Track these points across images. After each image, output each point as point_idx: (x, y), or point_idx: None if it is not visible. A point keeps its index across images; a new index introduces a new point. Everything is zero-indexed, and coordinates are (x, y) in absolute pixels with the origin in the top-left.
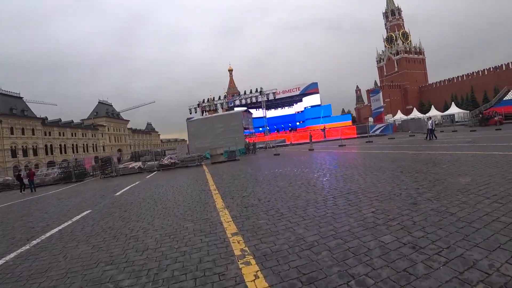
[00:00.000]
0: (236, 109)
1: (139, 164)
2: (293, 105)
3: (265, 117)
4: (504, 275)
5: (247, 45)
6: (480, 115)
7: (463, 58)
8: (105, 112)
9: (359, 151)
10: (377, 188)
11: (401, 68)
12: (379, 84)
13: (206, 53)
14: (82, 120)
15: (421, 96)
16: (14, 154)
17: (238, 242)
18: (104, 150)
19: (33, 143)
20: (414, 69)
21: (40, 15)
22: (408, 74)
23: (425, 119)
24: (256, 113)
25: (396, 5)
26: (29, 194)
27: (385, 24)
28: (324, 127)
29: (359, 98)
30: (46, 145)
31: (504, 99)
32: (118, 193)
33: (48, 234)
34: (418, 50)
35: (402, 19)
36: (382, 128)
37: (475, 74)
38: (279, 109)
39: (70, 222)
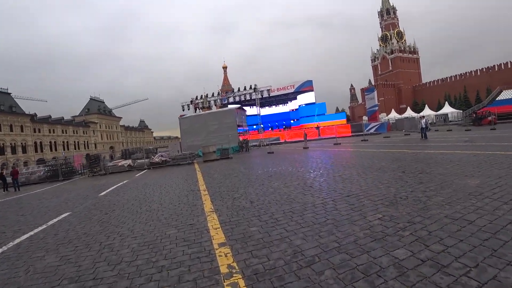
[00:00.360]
0: (229, 106)
1: (128, 162)
2: (287, 102)
3: (259, 114)
4: None
5: (241, 42)
6: (474, 115)
7: (456, 57)
8: (96, 108)
9: (355, 149)
10: (380, 190)
11: (395, 67)
12: (373, 83)
13: (199, 50)
14: (73, 117)
15: (414, 95)
16: (2, 151)
17: (226, 256)
18: (96, 148)
19: (22, 140)
20: (408, 68)
21: (28, 9)
22: (402, 73)
23: (419, 118)
24: (250, 110)
25: (391, 4)
26: (12, 193)
27: (380, 23)
28: (317, 125)
29: (353, 96)
30: (35, 142)
31: (497, 99)
32: (102, 193)
33: (17, 241)
34: (412, 49)
35: (397, 18)
36: (376, 127)
37: (468, 74)
38: (273, 106)
39: (44, 226)
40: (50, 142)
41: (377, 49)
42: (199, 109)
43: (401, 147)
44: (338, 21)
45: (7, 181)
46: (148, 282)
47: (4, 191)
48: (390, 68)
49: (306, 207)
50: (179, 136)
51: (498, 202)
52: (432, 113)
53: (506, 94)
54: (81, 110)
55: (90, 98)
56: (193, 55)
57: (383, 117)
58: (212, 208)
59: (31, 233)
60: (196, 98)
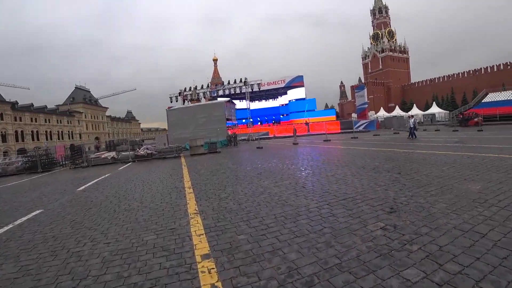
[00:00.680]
0: (219, 99)
1: (112, 154)
2: (277, 97)
3: (248, 108)
4: None
5: (233, 36)
6: (461, 116)
7: (444, 59)
8: (82, 98)
9: (346, 147)
10: (378, 194)
11: (386, 66)
12: (363, 81)
13: (190, 42)
14: (57, 105)
15: (403, 95)
16: None
17: (209, 272)
18: (80, 138)
19: (1, 128)
20: (398, 67)
21: None
22: (392, 72)
23: (408, 118)
24: (240, 104)
25: (384, 3)
26: None
27: (372, 22)
28: (306, 121)
29: (343, 93)
30: (16, 131)
31: (483, 101)
32: (81, 188)
33: None
34: (402, 49)
35: (389, 18)
36: (365, 124)
37: (455, 76)
38: (263, 101)
39: (11, 226)
40: (32, 132)
41: (368, 47)
42: (187, 101)
43: (392, 146)
44: (331, 19)
45: None
46: None
47: None
48: (380, 66)
49: (299, 211)
50: (167, 128)
51: (506, 211)
52: (420, 112)
53: (491, 97)
54: (65, 99)
55: (76, 87)
56: (184, 47)
57: (372, 115)
58: (197, 209)
59: None
60: (185, 90)
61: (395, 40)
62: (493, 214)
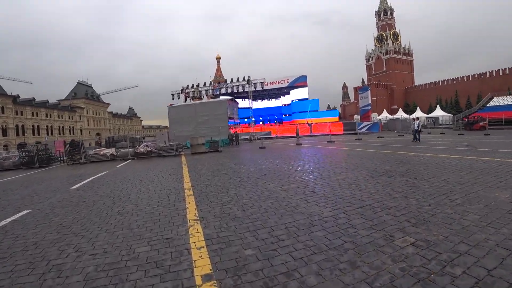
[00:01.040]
0: (221, 97)
1: (111, 151)
2: (280, 97)
3: (251, 107)
4: None
5: (236, 34)
6: (466, 119)
7: (448, 62)
8: (84, 93)
9: (352, 149)
10: (398, 202)
11: (389, 68)
12: (366, 82)
13: (193, 39)
14: (58, 100)
15: (406, 97)
16: None
17: None
18: (81, 134)
19: (2, 122)
20: (401, 69)
21: None
22: (395, 74)
23: (412, 120)
24: (242, 103)
25: (389, 5)
26: None
27: (377, 23)
28: (306, 121)
29: (345, 95)
30: (17, 125)
31: (488, 105)
32: (75, 186)
33: None
34: (407, 51)
35: (394, 19)
36: (368, 126)
37: (459, 79)
38: (266, 100)
39: None
40: (33, 126)
41: (372, 49)
42: (189, 99)
43: (400, 149)
44: (335, 19)
45: None
46: None
47: None
48: (384, 68)
49: (312, 220)
50: (168, 125)
51: None
52: (424, 115)
53: (497, 101)
54: (67, 94)
55: (78, 82)
56: (187, 44)
57: (374, 117)
58: (197, 215)
59: None
60: (187, 87)
61: (400, 42)
62: None
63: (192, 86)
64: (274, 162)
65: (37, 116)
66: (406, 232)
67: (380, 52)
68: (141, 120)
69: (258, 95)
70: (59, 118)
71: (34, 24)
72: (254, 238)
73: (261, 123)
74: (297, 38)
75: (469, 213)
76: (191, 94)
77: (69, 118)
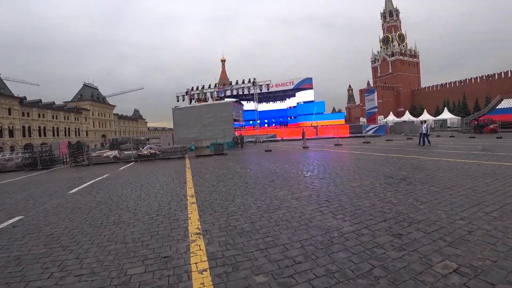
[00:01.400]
0: (226, 99)
1: (114, 153)
2: (285, 99)
3: (256, 110)
4: None
5: (240, 36)
6: (475, 122)
7: (455, 64)
8: (90, 95)
9: (361, 153)
10: (425, 214)
11: (395, 70)
12: (371, 85)
13: (198, 42)
14: (64, 102)
15: (413, 100)
16: None
17: None
18: (87, 135)
19: (9, 123)
20: (408, 72)
21: None
22: (401, 76)
23: (419, 123)
24: (247, 105)
25: (395, 6)
26: None
27: (382, 25)
28: (311, 124)
29: (350, 97)
30: (23, 127)
31: (497, 107)
32: (73, 190)
33: None
34: (413, 53)
35: (400, 21)
36: (375, 129)
37: (467, 81)
38: (271, 103)
39: None
40: (39, 127)
41: (378, 51)
42: (194, 101)
43: (412, 153)
44: (340, 21)
45: None
46: None
47: None
48: (390, 70)
49: (332, 237)
50: (173, 127)
51: None
52: (431, 118)
53: (506, 103)
54: (73, 96)
55: (84, 84)
56: (192, 47)
57: (381, 119)
58: (199, 227)
59: None
60: (192, 89)
61: (406, 44)
62: None
63: (197, 88)
64: (282, 166)
65: (43, 117)
66: (444, 254)
67: (386, 54)
68: (146, 122)
69: (263, 97)
70: (65, 119)
71: (40, 27)
72: (266, 259)
73: (266, 125)
74: (301, 41)
75: None
76: (196, 96)
77: (75, 120)
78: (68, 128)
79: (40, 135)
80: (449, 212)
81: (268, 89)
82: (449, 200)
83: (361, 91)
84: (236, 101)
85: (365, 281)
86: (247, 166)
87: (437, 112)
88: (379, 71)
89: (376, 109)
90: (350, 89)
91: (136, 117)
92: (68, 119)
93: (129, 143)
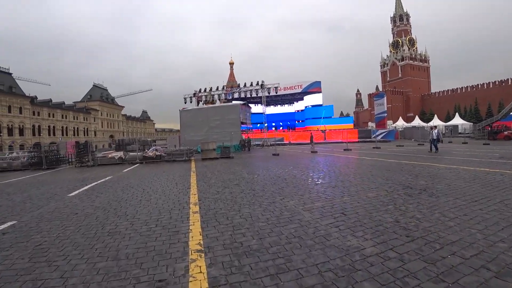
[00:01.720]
0: (234, 102)
1: (120, 154)
2: (293, 103)
3: (264, 113)
4: None
5: (248, 39)
6: (489, 128)
7: (465, 69)
8: (99, 96)
9: (373, 158)
10: (457, 234)
11: (405, 75)
12: (380, 89)
13: (206, 45)
14: (74, 102)
15: (422, 105)
16: None
17: None
18: (95, 135)
19: (19, 122)
20: (418, 76)
21: None
22: (411, 81)
23: (429, 129)
24: (255, 108)
25: (405, 11)
26: None
27: (392, 29)
28: (318, 128)
29: (359, 101)
30: (33, 126)
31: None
32: (73, 193)
33: None
34: (423, 57)
35: (410, 25)
36: (384, 134)
37: (479, 86)
38: (279, 106)
39: None
40: (49, 127)
41: (387, 55)
42: (202, 103)
43: (426, 160)
44: (347, 25)
45: None
46: None
47: None
48: (400, 75)
49: (353, 261)
50: (180, 129)
51: None
52: (442, 123)
53: None
54: (83, 96)
55: (93, 85)
56: (201, 49)
57: (390, 124)
58: (201, 243)
59: None
60: (200, 91)
61: (416, 48)
62: None
63: (205, 90)
64: (291, 172)
65: (53, 117)
66: (489, 287)
67: (396, 58)
68: (154, 123)
69: (271, 100)
70: (74, 119)
71: (54, 29)
72: None
73: (273, 129)
74: (309, 44)
75: None
76: (203, 98)
77: (84, 120)
78: (77, 128)
79: (49, 134)
80: (484, 231)
81: (276, 92)
82: (480, 216)
83: (370, 96)
84: (243, 104)
85: None
86: (254, 171)
87: (448, 118)
88: (388, 75)
89: (386, 114)
90: (358, 93)
91: (144, 118)
92: (77, 119)
93: (135, 144)
